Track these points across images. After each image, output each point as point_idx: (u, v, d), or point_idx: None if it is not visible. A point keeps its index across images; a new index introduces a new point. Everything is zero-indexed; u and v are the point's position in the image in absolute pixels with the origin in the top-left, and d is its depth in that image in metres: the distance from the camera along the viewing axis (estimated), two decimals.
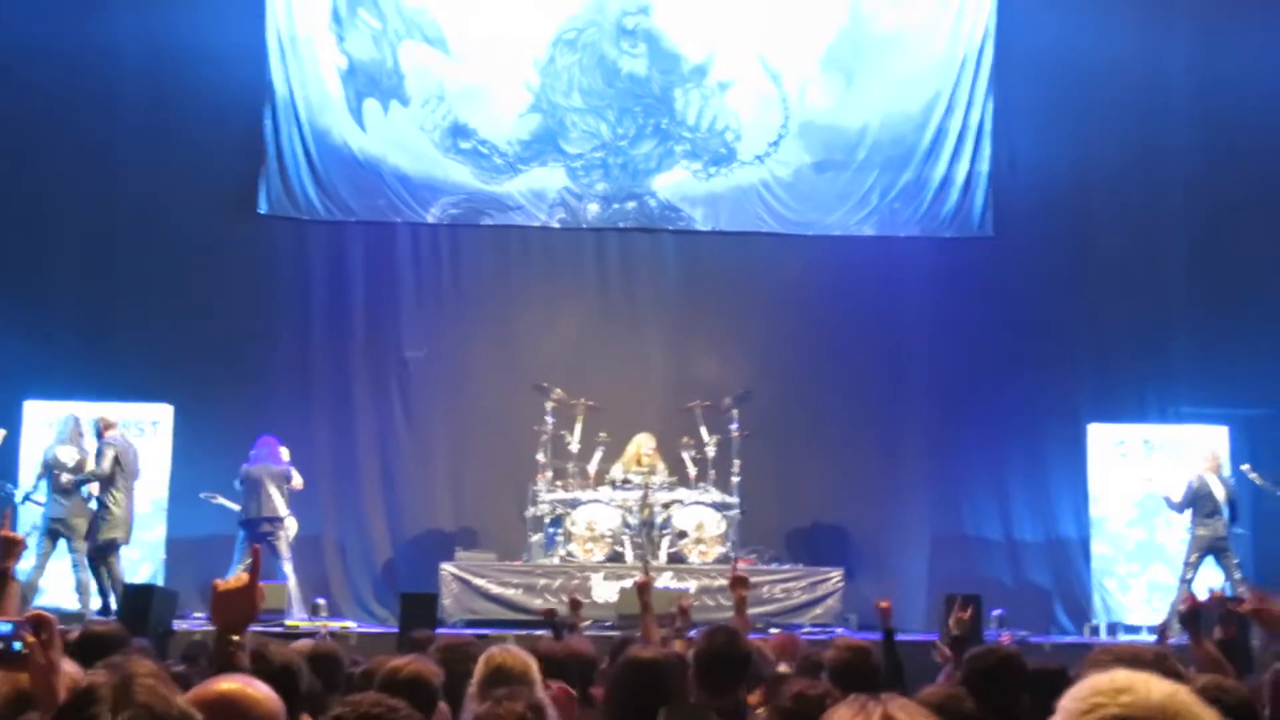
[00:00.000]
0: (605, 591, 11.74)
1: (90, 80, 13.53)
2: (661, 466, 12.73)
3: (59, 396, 12.50)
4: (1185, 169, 14.00)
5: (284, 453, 12.26)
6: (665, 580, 11.79)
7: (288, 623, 11.22)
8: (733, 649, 4.78)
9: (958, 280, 13.98)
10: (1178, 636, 11.28)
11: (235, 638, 3.39)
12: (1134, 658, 3.54)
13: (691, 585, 11.71)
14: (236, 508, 12.16)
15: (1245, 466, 12.62)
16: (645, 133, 14.01)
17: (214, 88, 13.54)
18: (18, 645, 2.93)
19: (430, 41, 13.88)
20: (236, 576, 3.51)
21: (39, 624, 2.95)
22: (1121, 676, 2.01)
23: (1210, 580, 12.25)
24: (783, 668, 6.10)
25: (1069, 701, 2.01)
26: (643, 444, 12.79)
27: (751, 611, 11.56)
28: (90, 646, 5.11)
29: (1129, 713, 1.96)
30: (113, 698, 2.53)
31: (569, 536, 12.20)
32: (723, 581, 11.76)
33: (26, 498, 11.93)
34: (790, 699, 4.25)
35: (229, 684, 2.97)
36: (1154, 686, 1.99)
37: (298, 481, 12.26)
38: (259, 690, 2.97)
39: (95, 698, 2.53)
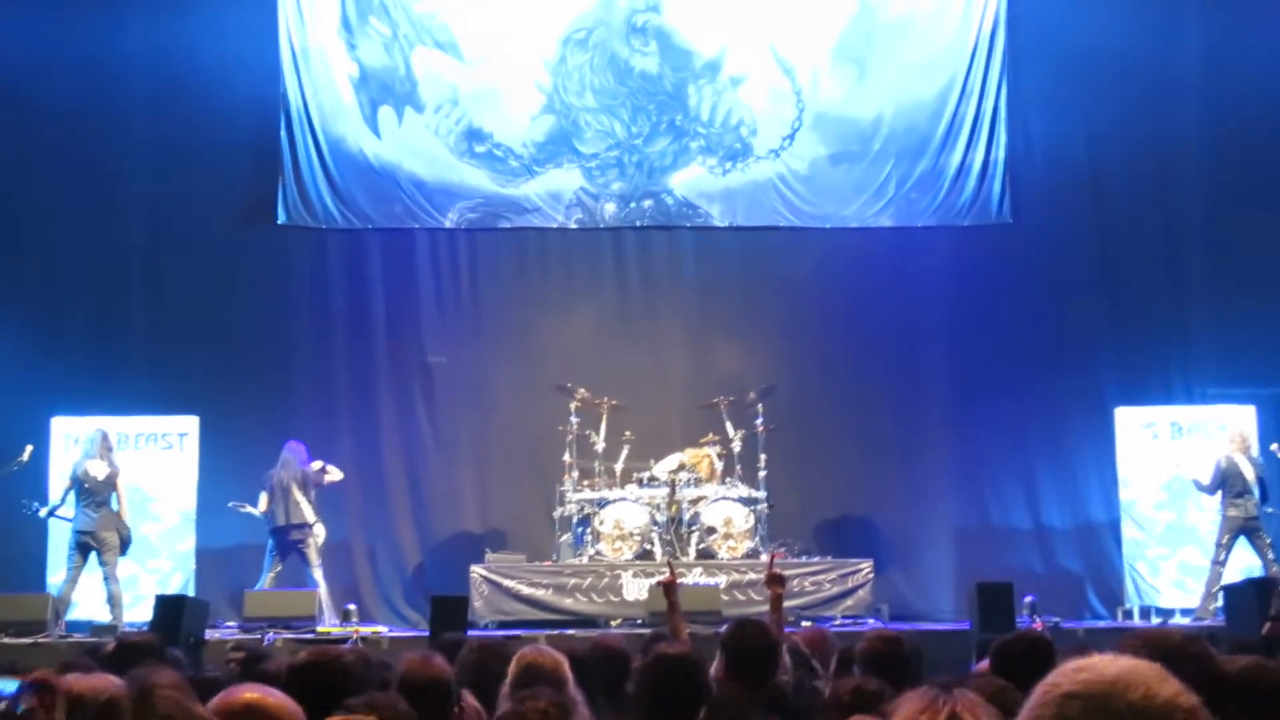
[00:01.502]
0: (635, 590, 11.75)
1: (103, 96, 13.61)
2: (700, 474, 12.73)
3: (86, 412, 12.57)
4: (1201, 147, 13.93)
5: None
6: (695, 576, 11.80)
7: (319, 629, 11.27)
8: (761, 640, 4.78)
9: (977, 268, 13.94)
10: (1211, 619, 11.33)
11: None
12: (1163, 640, 3.53)
13: (721, 580, 11.71)
14: (258, 512, 12.20)
15: (1275, 446, 12.55)
16: (660, 130, 14.01)
17: (228, 99, 13.61)
18: (21, 707, 2.94)
19: (442, 46, 13.90)
20: None
21: (42, 687, 2.96)
22: (1085, 659, 2.00)
23: (1243, 561, 12.21)
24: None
25: (1036, 689, 2.01)
26: (698, 460, 12.76)
27: (784, 605, 11.64)
28: (126, 657, 5.16)
29: (1083, 689, 1.95)
30: (133, 710, 2.54)
31: (597, 536, 12.21)
32: (753, 576, 11.77)
33: (52, 512, 12.00)
34: (849, 693, 4.25)
35: (249, 694, 3.00)
36: (1113, 663, 1.98)
37: (335, 474, 12.32)
38: (277, 698, 3.01)
39: (117, 711, 2.55)
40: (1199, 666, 3.33)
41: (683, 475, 12.56)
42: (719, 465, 12.73)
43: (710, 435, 12.78)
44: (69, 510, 11.87)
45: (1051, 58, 13.99)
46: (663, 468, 12.66)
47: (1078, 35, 13.90)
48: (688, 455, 12.76)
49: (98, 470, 11.79)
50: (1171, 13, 14.01)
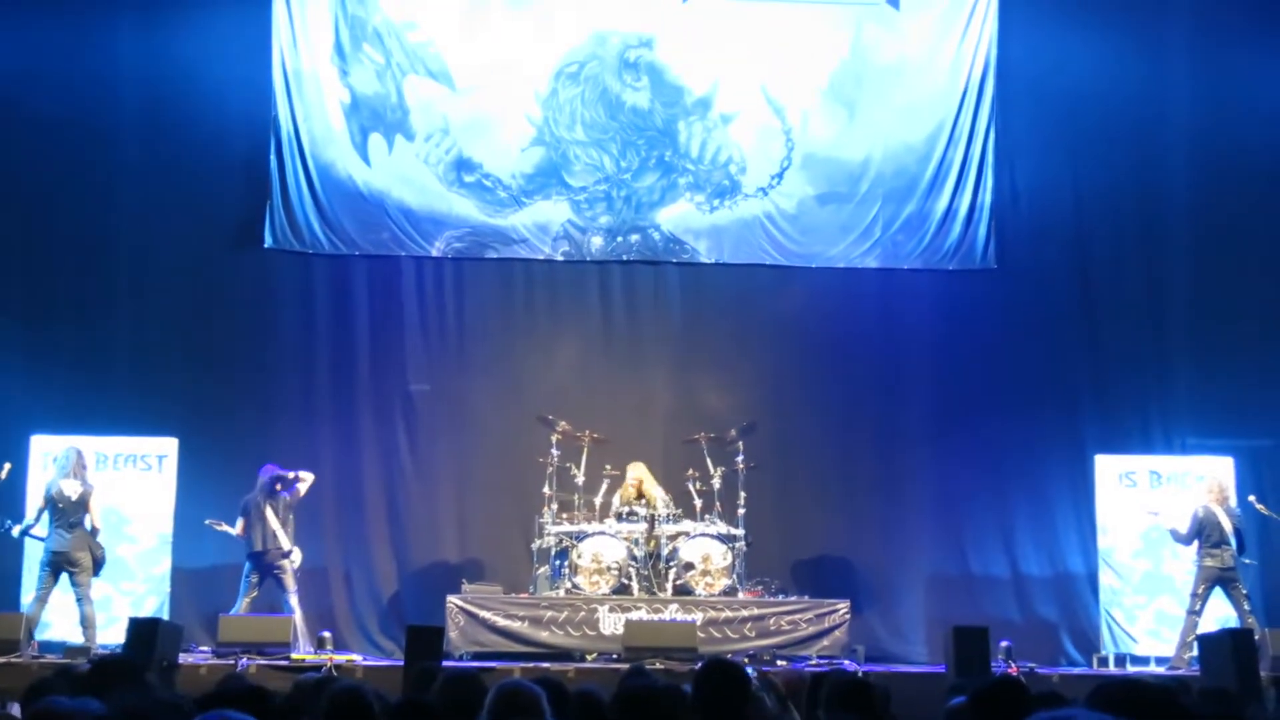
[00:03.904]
0: (611, 624, 11.72)
1: (94, 114, 13.59)
2: (661, 495, 12.75)
3: (65, 431, 12.51)
4: (1186, 198, 14.03)
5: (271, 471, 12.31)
6: (671, 612, 11.78)
7: (294, 656, 11.21)
8: (731, 678, 4.78)
9: (961, 312, 13.99)
10: (1186, 669, 11.34)
11: None
12: (1136, 690, 3.55)
13: (698, 617, 11.69)
14: (235, 532, 12.16)
15: (1252, 498, 12.61)
16: (648, 165, 14.06)
17: (218, 121, 13.62)
18: None
19: (434, 76, 13.95)
20: None
21: None
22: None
23: (1219, 611, 12.23)
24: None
25: None
26: (642, 478, 12.79)
27: (759, 643, 11.67)
28: (103, 678, 5.15)
29: None
30: None
31: (575, 569, 12.18)
32: (730, 614, 11.77)
33: (25, 532, 11.91)
34: None
35: None
36: None
37: (306, 479, 12.27)
38: None
39: None
40: (1171, 717, 3.35)
41: (661, 511, 12.56)
42: (649, 480, 12.70)
43: (690, 471, 12.79)
44: (42, 530, 11.79)
45: (1039, 105, 14.10)
46: (617, 501, 12.71)
47: (1066, 84, 14.02)
48: (625, 490, 12.77)
49: (71, 490, 11.72)
50: (1159, 64, 14.13)
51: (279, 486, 12.19)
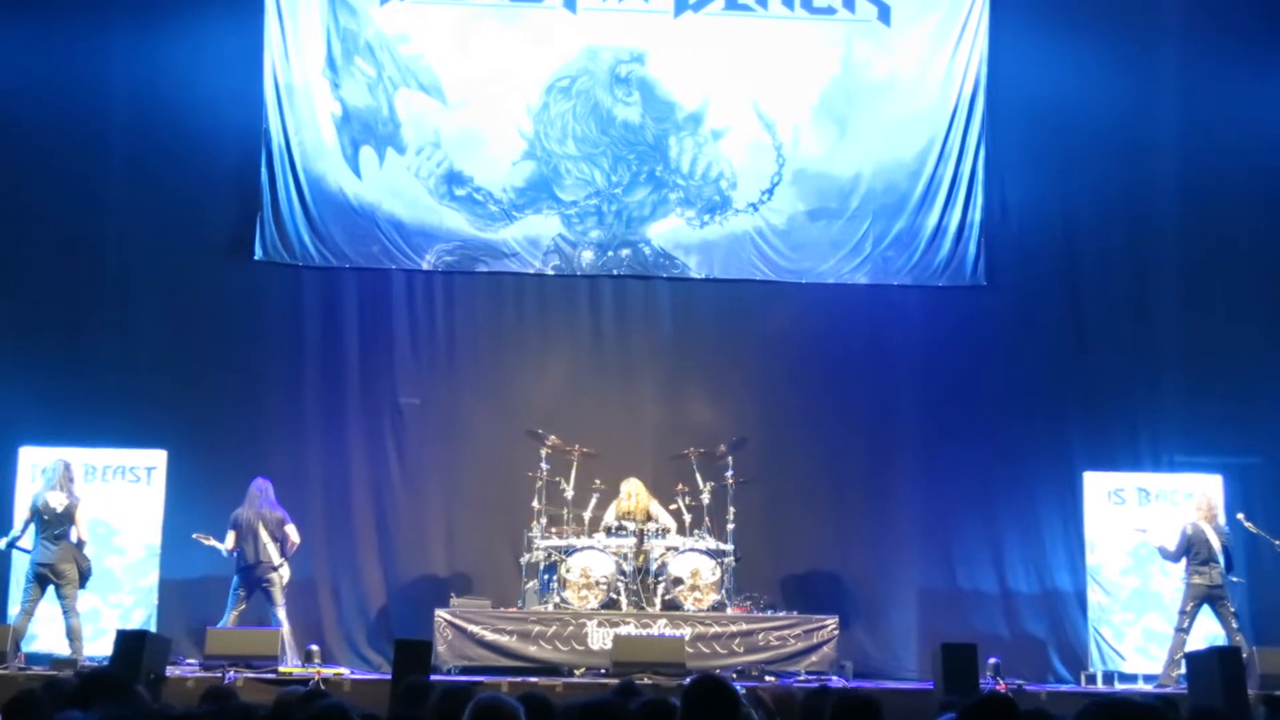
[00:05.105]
0: (600, 639, 11.71)
1: (84, 124, 13.57)
2: (656, 507, 12.75)
3: (54, 442, 12.48)
4: (1175, 215, 14.08)
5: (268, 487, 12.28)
6: (660, 627, 11.77)
7: (281, 669, 11.18)
8: (720, 694, 4.77)
9: (950, 329, 14.01)
10: (1174, 686, 11.35)
11: None
12: (1124, 708, 3.56)
13: (686, 632, 11.68)
14: (222, 548, 12.11)
15: (1240, 515, 12.63)
16: (639, 180, 14.08)
17: (209, 133, 13.61)
18: None
19: (426, 89, 13.97)
20: None
21: None
22: None
23: (1207, 629, 12.24)
24: None
25: None
26: (638, 493, 12.77)
27: (747, 659, 11.67)
28: (88, 690, 5.13)
29: None
30: None
31: (564, 583, 12.17)
32: (719, 629, 11.76)
33: (11, 544, 11.86)
34: None
35: None
36: None
37: (294, 538, 12.23)
38: None
39: None
40: None
41: (650, 526, 12.56)
42: (646, 495, 12.71)
43: (680, 486, 12.78)
44: (28, 542, 11.75)
45: (1029, 122, 14.13)
46: (610, 516, 12.69)
47: (1056, 101, 14.06)
48: (621, 506, 12.74)
49: (57, 502, 11.67)
50: (1149, 81, 14.18)
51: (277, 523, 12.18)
